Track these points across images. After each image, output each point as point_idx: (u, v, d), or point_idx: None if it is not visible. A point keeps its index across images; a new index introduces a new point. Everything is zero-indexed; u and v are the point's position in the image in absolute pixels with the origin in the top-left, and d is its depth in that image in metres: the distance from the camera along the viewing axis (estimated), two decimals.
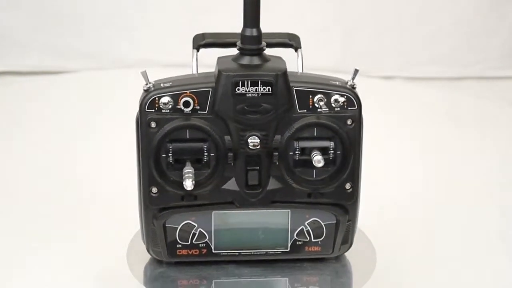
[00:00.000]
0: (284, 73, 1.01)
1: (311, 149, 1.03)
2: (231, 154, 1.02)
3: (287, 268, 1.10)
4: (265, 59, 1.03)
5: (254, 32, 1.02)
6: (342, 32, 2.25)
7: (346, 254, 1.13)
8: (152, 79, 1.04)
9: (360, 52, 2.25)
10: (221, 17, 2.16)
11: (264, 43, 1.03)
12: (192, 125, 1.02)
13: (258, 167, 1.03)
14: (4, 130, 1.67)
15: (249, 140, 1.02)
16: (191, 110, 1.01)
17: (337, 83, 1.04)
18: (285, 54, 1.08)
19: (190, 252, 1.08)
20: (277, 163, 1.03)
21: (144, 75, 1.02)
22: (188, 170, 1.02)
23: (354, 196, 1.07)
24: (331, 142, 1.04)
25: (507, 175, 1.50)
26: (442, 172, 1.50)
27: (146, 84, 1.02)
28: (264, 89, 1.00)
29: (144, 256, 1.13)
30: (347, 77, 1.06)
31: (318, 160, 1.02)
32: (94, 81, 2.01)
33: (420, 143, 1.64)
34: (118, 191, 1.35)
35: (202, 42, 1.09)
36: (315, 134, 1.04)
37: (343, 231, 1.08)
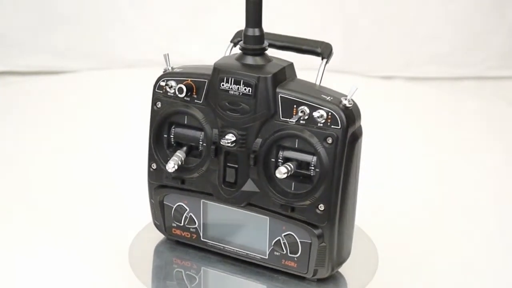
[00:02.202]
0: (272, 77, 1.00)
1: (293, 160, 1.01)
2: (213, 147, 1.04)
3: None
4: (267, 59, 1.03)
5: (256, 32, 1.02)
6: (342, 32, 2.25)
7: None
8: (151, 79, 1.08)
9: (360, 52, 2.25)
10: (222, 17, 2.17)
11: (266, 43, 1.03)
12: (185, 111, 1.05)
13: (236, 166, 1.04)
14: (4, 130, 1.66)
15: (225, 136, 1.02)
16: (189, 98, 1.05)
17: (328, 98, 0.99)
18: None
19: (183, 234, 1.12)
20: (254, 166, 1.02)
21: (166, 58, 1.07)
22: (177, 154, 1.06)
23: (326, 219, 1.01)
24: (314, 157, 1.00)
25: (508, 175, 1.50)
26: (443, 171, 1.50)
27: (166, 66, 1.07)
28: (245, 89, 1.01)
29: (144, 256, 1.13)
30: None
31: (279, 171, 0.99)
32: (94, 81, 2.01)
33: (420, 143, 1.64)
34: (118, 189, 1.35)
35: (240, 37, 1.09)
36: (296, 146, 1.01)
37: (316, 253, 1.03)
